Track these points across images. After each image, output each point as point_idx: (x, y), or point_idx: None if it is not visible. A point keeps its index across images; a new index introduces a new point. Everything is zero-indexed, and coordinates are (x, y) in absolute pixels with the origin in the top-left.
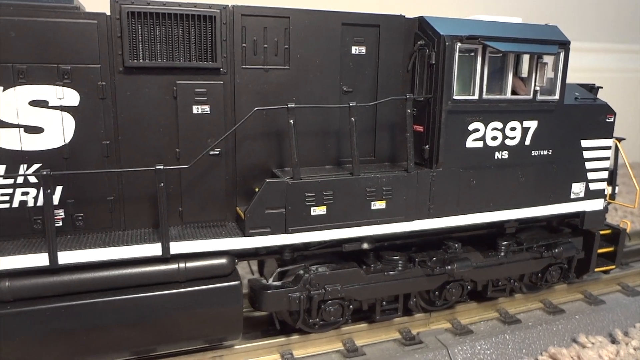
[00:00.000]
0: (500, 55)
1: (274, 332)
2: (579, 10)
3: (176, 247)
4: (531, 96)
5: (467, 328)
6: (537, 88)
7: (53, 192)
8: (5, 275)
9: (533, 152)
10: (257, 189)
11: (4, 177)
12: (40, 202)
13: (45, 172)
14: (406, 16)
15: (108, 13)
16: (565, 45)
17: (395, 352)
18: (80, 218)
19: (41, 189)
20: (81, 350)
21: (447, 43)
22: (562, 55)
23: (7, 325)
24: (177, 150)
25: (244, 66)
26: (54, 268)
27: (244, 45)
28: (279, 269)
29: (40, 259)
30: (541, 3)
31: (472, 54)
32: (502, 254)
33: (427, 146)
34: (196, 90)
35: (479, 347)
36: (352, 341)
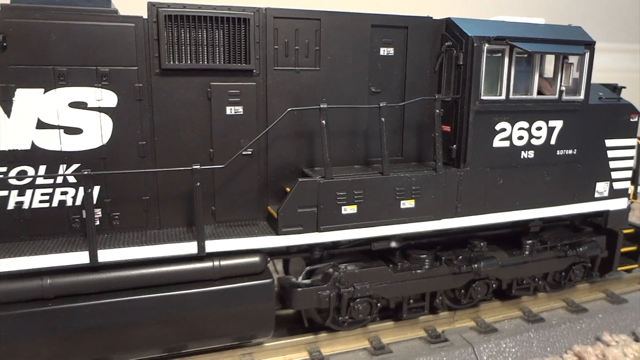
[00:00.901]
0: (526, 55)
1: (300, 330)
2: (597, 10)
3: (211, 246)
4: (557, 96)
5: (492, 326)
6: (563, 88)
7: (92, 192)
8: (47, 273)
9: (558, 151)
10: (287, 189)
11: (45, 177)
12: (78, 202)
13: (86, 172)
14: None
15: (144, 16)
16: (590, 45)
17: (421, 349)
18: (116, 217)
19: (80, 188)
20: (116, 347)
21: (475, 44)
22: (587, 55)
23: (48, 322)
24: (211, 150)
25: (275, 67)
26: (94, 266)
27: (276, 47)
28: (307, 267)
29: (80, 257)
30: (557, 3)
31: (499, 54)
32: (527, 252)
33: (454, 146)
34: (229, 91)
35: (504, 345)
36: (378, 339)
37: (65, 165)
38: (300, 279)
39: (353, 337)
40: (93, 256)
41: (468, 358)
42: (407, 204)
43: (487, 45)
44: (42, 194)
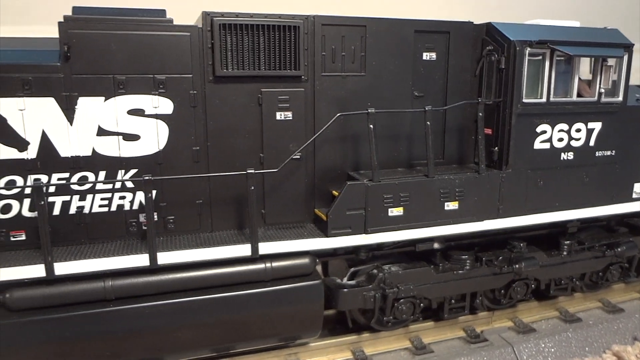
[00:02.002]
0: (565, 58)
1: (341, 330)
2: (627, 12)
3: (264, 248)
4: (596, 98)
5: (530, 326)
6: (602, 90)
7: (152, 197)
8: (108, 275)
9: (597, 152)
10: (334, 192)
11: (104, 182)
12: (135, 206)
13: (147, 177)
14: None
15: (199, 25)
16: (629, 48)
17: (462, 349)
18: (171, 220)
19: (138, 193)
20: (169, 347)
21: (517, 48)
22: (626, 57)
23: (109, 322)
24: (261, 155)
25: (323, 73)
26: (154, 268)
27: (324, 53)
28: (352, 269)
29: (140, 260)
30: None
31: (539, 57)
32: (565, 253)
33: (496, 148)
34: (279, 97)
35: (543, 345)
36: (419, 339)
37: (123, 171)
38: (345, 280)
39: (394, 337)
40: (153, 259)
41: (508, 358)
42: (451, 205)
43: (528, 49)
44: (102, 199)
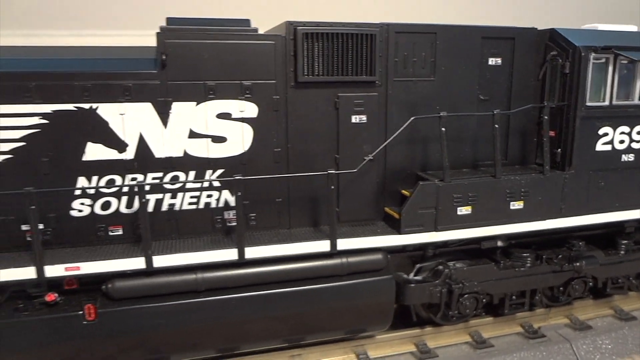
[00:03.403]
0: (627, 62)
1: (401, 324)
2: None
3: (341, 244)
4: None
5: (586, 324)
6: None
7: (242, 195)
8: (199, 268)
9: None
10: (404, 191)
11: (195, 181)
12: (221, 204)
13: (238, 177)
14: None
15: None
16: None
17: (521, 344)
18: (253, 217)
19: (223, 192)
20: (247, 336)
21: (582, 54)
22: None
23: (199, 312)
24: (337, 156)
25: (395, 78)
26: (242, 262)
27: (396, 59)
28: (418, 265)
29: (229, 254)
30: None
31: (603, 62)
32: (623, 252)
33: (559, 150)
34: (355, 101)
35: (600, 342)
36: (479, 333)
37: (211, 171)
38: (411, 276)
39: (455, 331)
40: (241, 253)
41: (567, 353)
42: (517, 205)
43: (593, 54)
44: (191, 197)
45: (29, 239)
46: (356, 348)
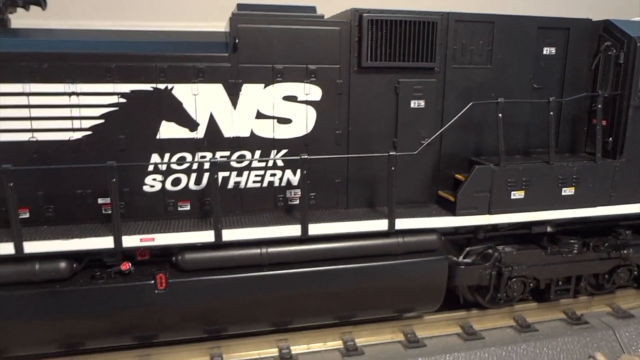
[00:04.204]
0: None
1: (445, 307)
2: None
3: (398, 224)
4: None
5: (628, 312)
6: None
7: (307, 174)
8: (264, 243)
9: None
10: (457, 175)
11: (258, 160)
12: (283, 183)
13: (304, 157)
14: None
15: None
16: None
17: (564, 330)
18: (313, 197)
19: (286, 171)
20: (301, 311)
21: (638, 44)
22: None
23: (261, 286)
24: (394, 139)
25: (453, 65)
26: (304, 238)
27: (455, 47)
28: (468, 248)
29: (293, 230)
30: None
31: None
32: None
33: (610, 138)
34: (414, 87)
35: None
36: (523, 318)
37: (275, 151)
38: (461, 258)
39: (499, 315)
40: (304, 229)
41: (610, 340)
42: (568, 191)
43: None
44: (256, 176)
45: (104, 211)
46: (404, 328)
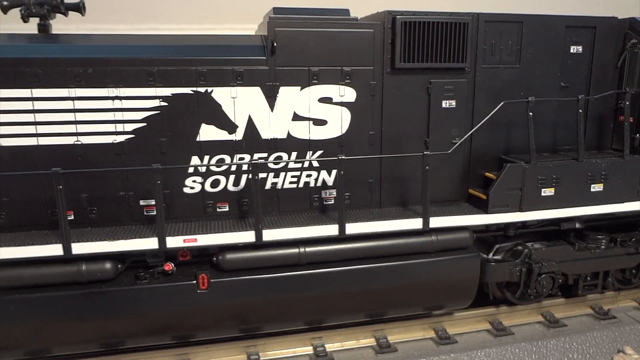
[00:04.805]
0: None
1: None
2: None
3: (432, 222)
4: None
5: None
6: None
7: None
8: (301, 243)
9: None
10: (487, 174)
11: (295, 161)
12: (319, 183)
13: (342, 157)
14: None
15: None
16: None
17: (592, 325)
18: (347, 196)
19: (322, 172)
20: (335, 309)
21: None
22: None
23: (300, 284)
24: (426, 139)
25: (483, 65)
26: (342, 237)
27: (485, 47)
28: (497, 245)
29: (330, 230)
30: None
31: None
32: None
33: (638, 135)
34: (446, 87)
35: None
36: (551, 314)
37: (311, 152)
38: (490, 256)
39: (527, 311)
40: (341, 229)
41: (638, 334)
42: (597, 187)
43: None
44: (292, 176)
45: (145, 213)
46: (434, 325)
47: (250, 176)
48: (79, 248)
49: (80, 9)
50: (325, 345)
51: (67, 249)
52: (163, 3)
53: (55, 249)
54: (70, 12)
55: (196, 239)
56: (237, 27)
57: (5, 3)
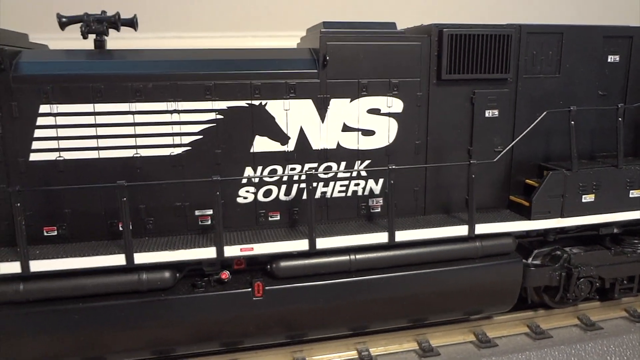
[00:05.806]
0: None
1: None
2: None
3: (477, 229)
4: None
5: None
6: None
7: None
8: (352, 250)
9: None
10: (528, 181)
11: (345, 171)
12: (366, 192)
13: (392, 167)
14: None
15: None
16: None
17: (628, 327)
18: (394, 205)
19: (369, 181)
20: (380, 315)
21: None
22: None
23: (350, 291)
24: (469, 148)
25: (525, 75)
26: (392, 244)
27: (526, 58)
28: (536, 250)
29: (380, 237)
30: None
31: None
32: None
33: None
34: (489, 97)
35: None
36: (587, 317)
37: (359, 161)
38: (530, 261)
39: (564, 314)
40: (391, 236)
41: None
42: (635, 193)
43: None
44: (341, 185)
45: (200, 223)
46: (474, 329)
47: (301, 186)
48: (141, 258)
49: (133, 24)
50: (370, 350)
51: (129, 258)
52: (184, 14)
53: (118, 259)
54: None
55: (252, 248)
56: (260, 35)
57: (64, 20)
